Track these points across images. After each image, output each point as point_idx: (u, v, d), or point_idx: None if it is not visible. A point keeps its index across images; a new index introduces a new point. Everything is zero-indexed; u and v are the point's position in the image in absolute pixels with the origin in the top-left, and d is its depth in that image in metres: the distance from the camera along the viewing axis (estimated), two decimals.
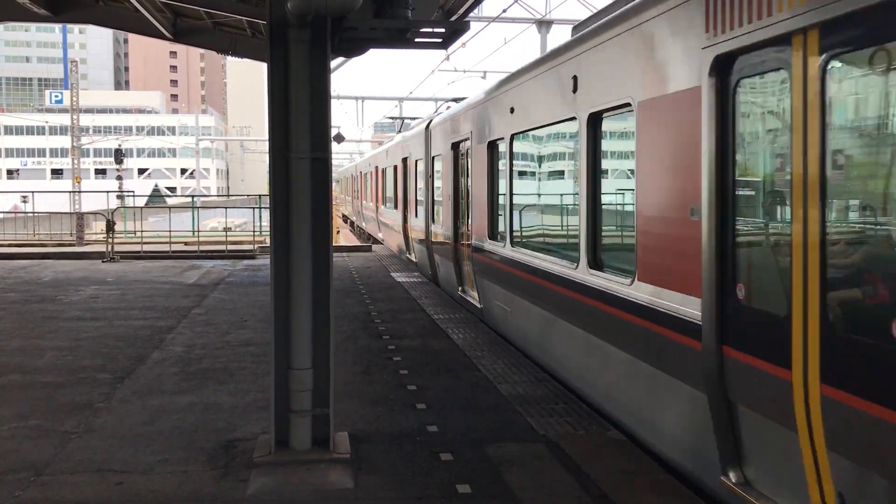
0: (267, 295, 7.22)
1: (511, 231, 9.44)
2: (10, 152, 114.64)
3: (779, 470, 4.17)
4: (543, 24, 21.84)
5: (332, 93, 5.64)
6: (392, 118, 35.99)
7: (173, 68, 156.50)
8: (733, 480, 4.55)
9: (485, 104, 10.75)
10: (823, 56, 3.71)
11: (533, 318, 8.54)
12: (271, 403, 5.58)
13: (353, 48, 6.21)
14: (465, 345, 9.57)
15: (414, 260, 18.20)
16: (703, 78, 4.71)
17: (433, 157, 14.87)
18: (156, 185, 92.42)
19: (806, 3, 3.76)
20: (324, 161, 5.57)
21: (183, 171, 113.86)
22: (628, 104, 5.91)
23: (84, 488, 5.12)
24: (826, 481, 3.77)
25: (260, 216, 25.11)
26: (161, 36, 15.99)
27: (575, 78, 7.06)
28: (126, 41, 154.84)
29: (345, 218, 44.47)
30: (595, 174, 6.78)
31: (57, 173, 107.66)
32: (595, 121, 6.73)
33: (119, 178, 48.13)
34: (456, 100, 21.12)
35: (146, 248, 21.96)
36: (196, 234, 24.31)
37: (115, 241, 21.07)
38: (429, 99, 40.63)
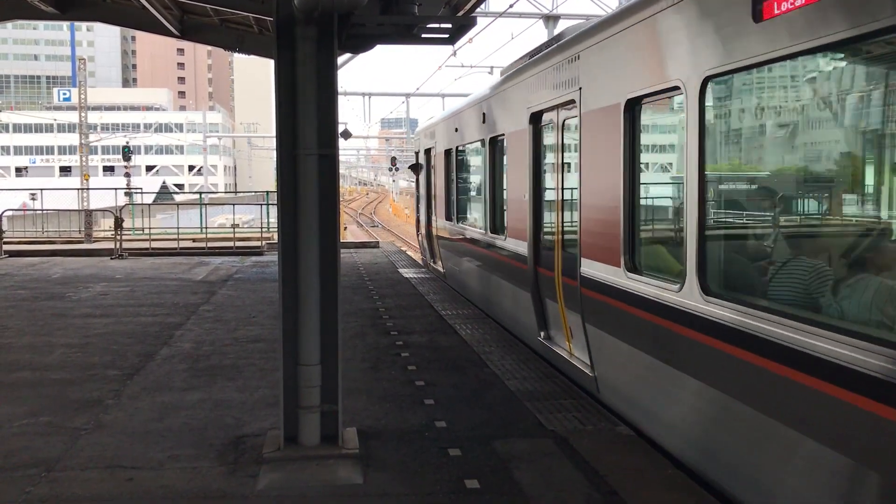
0: (275, 291, 7.21)
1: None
2: (18, 150, 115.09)
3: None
4: (551, 19, 21.80)
5: (339, 89, 5.63)
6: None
7: (180, 65, 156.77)
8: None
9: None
10: None
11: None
12: (280, 399, 5.60)
13: (359, 44, 6.20)
14: (473, 341, 9.57)
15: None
16: None
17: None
18: (164, 182, 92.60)
19: None
20: (331, 157, 5.57)
21: (191, 167, 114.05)
22: None
23: (94, 484, 5.14)
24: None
25: (268, 213, 25.15)
26: (168, 33, 16.02)
27: None
28: (133, 39, 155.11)
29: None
30: None
31: (65, 171, 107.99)
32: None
33: (127, 175, 48.22)
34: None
35: (154, 244, 22.02)
36: (204, 230, 24.37)
37: (124, 237, 21.13)
38: (436, 95, 40.64)
